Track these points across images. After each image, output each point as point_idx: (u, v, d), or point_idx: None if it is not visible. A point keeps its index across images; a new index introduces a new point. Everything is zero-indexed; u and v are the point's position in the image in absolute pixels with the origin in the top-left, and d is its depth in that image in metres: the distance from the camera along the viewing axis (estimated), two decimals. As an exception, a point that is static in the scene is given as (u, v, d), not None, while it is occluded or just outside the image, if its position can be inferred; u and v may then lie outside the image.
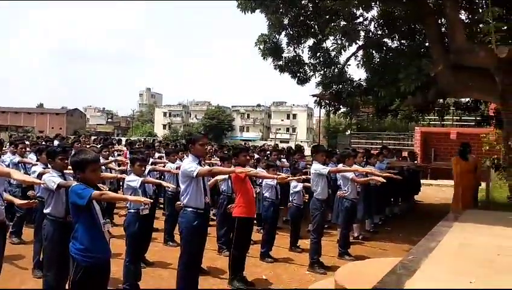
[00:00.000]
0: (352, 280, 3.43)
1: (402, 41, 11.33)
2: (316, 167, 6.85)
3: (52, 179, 4.63)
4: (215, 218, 8.21)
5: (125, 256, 5.54)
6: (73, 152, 4.97)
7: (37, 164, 6.42)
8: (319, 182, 6.81)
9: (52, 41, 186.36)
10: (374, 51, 11.40)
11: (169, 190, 7.68)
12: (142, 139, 24.19)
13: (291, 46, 11.45)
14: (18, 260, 6.38)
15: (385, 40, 11.37)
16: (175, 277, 5.16)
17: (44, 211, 4.71)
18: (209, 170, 5.37)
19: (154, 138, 46.87)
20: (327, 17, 10.44)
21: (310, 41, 11.50)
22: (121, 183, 8.47)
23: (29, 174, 5.83)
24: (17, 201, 3.84)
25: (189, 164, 5.06)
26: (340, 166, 7.58)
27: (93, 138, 21.08)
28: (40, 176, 5.27)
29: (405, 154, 14.34)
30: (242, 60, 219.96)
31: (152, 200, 4.03)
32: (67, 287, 4.05)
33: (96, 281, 3.63)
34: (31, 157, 8.37)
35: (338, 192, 7.67)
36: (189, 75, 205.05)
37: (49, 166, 5.23)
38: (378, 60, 11.27)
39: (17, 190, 7.40)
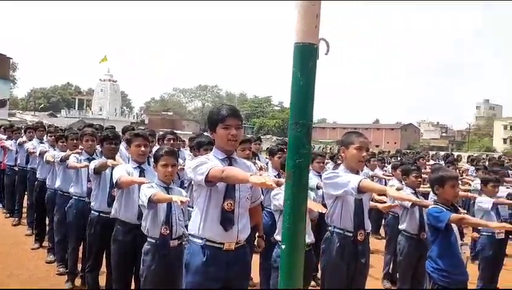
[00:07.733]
0: None
1: None
2: None
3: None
4: None
5: (478, 281, 5.28)
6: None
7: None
8: None
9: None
10: None
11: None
12: (485, 156, 22.53)
13: None
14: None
15: None
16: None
17: (399, 227, 4.99)
18: None
19: (494, 153, 42.91)
20: None
21: None
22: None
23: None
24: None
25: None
26: None
27: (431, 153, 20.86)
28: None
29: None
30: None
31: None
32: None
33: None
34: (377, 172, 9.01)
35: None
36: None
37: (403, 182, 5.50)
38: None
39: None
